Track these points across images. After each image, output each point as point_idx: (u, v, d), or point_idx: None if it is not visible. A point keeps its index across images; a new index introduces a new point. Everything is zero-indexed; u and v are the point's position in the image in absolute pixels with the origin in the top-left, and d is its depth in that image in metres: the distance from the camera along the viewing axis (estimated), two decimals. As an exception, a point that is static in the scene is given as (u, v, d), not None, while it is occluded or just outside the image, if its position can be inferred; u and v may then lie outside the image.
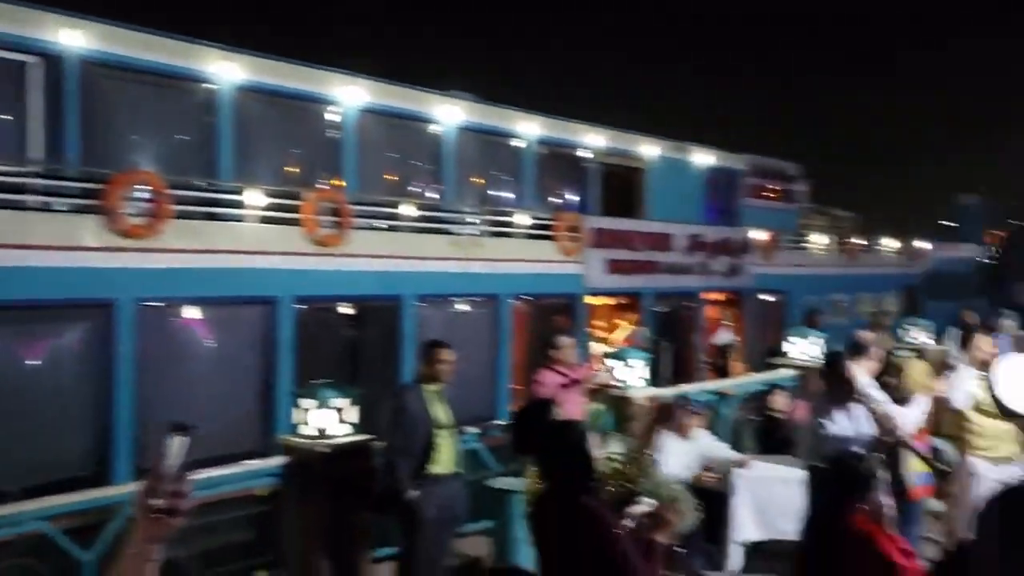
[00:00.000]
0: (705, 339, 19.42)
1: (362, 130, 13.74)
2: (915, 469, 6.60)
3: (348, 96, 13.36)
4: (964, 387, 6.69)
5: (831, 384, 5.89)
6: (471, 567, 7.06)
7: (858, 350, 6.81)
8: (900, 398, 6.62)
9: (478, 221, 14.39)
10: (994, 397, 6.39)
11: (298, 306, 11.51)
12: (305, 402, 6.54)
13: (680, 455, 7.39)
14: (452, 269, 13.62)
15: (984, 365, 6.74)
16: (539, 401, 5.06)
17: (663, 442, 7.38)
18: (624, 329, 17.40)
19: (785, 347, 12.05)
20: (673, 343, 17.88)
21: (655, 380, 15.72)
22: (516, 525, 6.57)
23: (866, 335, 7.19)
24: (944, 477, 6.25)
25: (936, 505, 7.27)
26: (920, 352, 11.42)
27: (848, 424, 5.72)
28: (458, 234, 13.95)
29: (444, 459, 6.52)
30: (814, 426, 5.83)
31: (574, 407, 6.93)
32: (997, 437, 6.45)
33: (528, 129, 16.36)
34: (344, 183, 13.47)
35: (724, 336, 18.45)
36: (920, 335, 12.38)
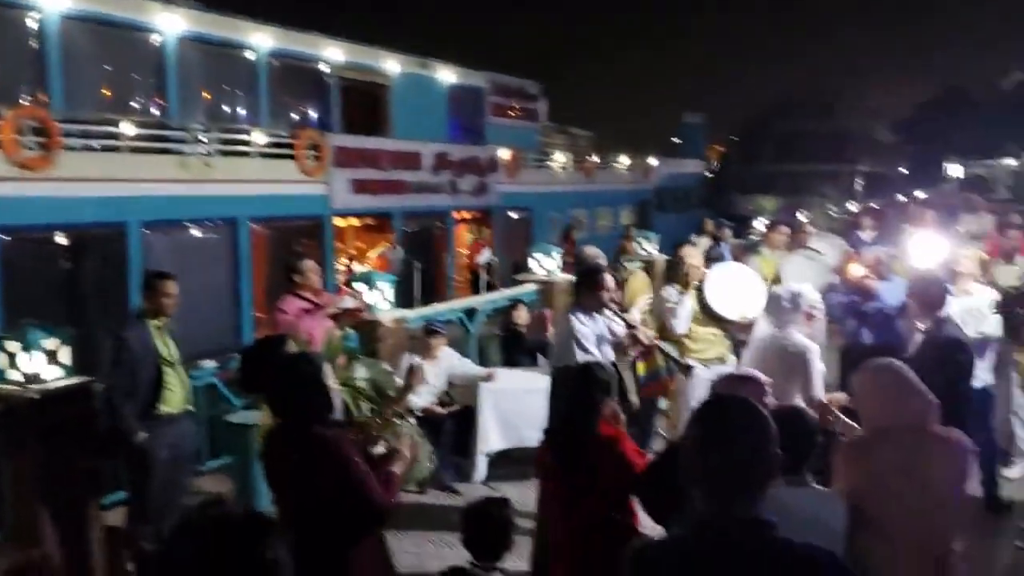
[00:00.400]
0: (457, 258, 19.58)
1: (67, 39, 12.28)
2: (640, 371, 6.96)
3: (49, 1, 11.85)
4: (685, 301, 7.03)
5: (582, 294, 5.99)
6: (212, 505, 6.70)
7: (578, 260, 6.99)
8: (623, 308, 6.88)
9: (208, 140, 13.38)
10: (703, 303, 6.81)
11: (1, 237, 10.24)
12: (10, 345, 5.79)
13: (428, 375, 7.35)
14: (182, 192, 12.66)
15: (692, 275, 7.12)
16: (269, 338, 4.73)
17: (410, 363, 7.29)
18: (375, 250, 17.14)
19: (530, 263, 12.33)
20: (424, 263, 17.89)
21: (407, 301, 15.78)
22: (257, 461, 6.26)
23: (594, 251, 7.34)
24: (687, 371, 6.56)
25: (663, 404, 7.73)
26: (649, 263, 12.06)
27: (595, 330, 5.85)
28: (187, 154, 12.93)
29: (173, 397, 6.05)
30: (563, 335, 5.90)
31: (319, 334, 6.61)
32: (707, 340, 6.89)
33: (260, 41, 15.36)
34: (48, 98, 12.04)
35: (485, 255, 18.70)
36: (649, 247, 13.07)
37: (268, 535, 1.92)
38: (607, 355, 5.84)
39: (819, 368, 5.26)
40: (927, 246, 7.43)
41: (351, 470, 3.60)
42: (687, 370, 6.43)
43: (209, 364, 8.34)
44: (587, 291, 5.90)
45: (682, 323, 6.92)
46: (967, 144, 53.87)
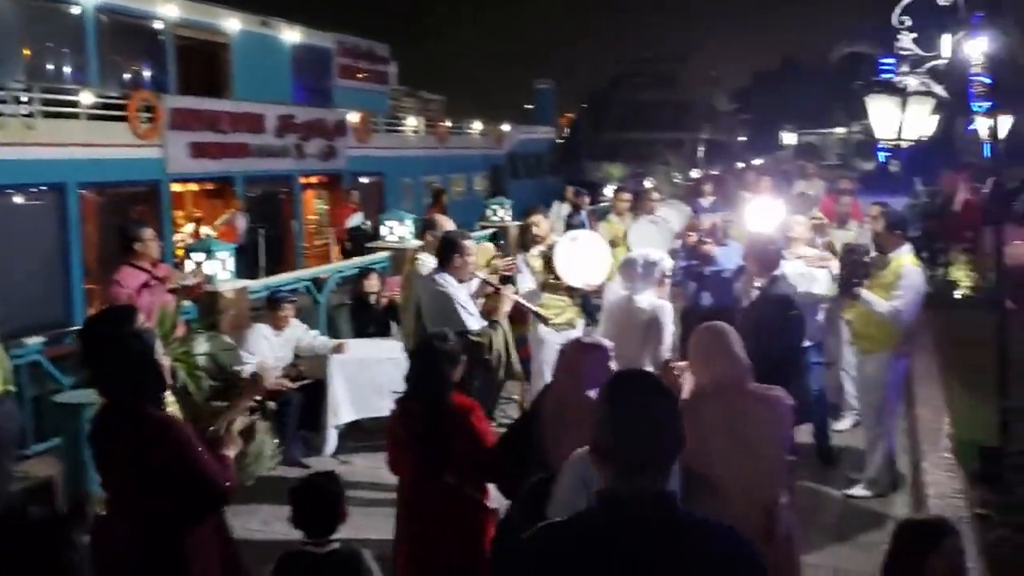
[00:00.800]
0: (306, 224, 19.08)
1: None
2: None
3: None
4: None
5: (446, 263, 5.93)
6: (40, 489, 6.33)
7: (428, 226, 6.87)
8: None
9: (29, 100, 12.43)
10: (551, 270, 6.92)
11: None
12: None
13: (275, 348, 7.13)
14: (0, 156, 11.74)
15: (538, 242, 7.21)
16: (110, 311, 4.43)
17: (255, 336, 7.05)
18: (221, 219, 16.43)
19: (382, 230, 12.12)
20: (271, 230, 17.34)
21: (253, 270, 15.26)
22: (87, 442, 5.91)
23: (441, 219, 7.22)
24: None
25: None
26: (503, 230, 12.13)
27: (464, 297, 5.81)
28: (5, 115, 11.96)
29: (-9, 378, 5.62)
30: (438, 301, 5.82)
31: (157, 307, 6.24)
32: (557, 306, 6.99)
33: (86, -6, 14.34)
34: None
35: (355, 219, 18.23)
36: (501, 212, 13.12)
37: (61, 537, 1.81)
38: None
39: (670, 329, 5.40)
40: (763, 212, 7.75)
41: (187, 451, 3.44)
42: (546, 322, 6.56)
43: (35, 341, 7.79)
44: (451, 259, 5.84)
45: (525, 288, 6.97)
46: (800, 113, 56.87)
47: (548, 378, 6.47)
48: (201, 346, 6.33)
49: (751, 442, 3.54)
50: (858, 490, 6.14)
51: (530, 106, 43.51)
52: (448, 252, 5.88)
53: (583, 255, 7.00)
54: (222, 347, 6.75)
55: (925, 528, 3.13)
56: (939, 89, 6.01)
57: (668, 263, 5.72)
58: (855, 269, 6.01)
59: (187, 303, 7.62)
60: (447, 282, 5.74)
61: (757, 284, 5.62)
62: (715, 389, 3.66)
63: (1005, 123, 11.10)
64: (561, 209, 12.03)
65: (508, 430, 4.20)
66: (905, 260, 6.03)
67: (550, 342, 6.60)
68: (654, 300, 5.46)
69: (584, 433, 3.54)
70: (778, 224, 7.38)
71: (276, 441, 5.58)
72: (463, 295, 5.78)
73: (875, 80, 6.21)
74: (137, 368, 3.47)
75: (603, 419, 2.18)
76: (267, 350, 7.05)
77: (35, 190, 12.66)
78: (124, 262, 6.61)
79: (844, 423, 7.40)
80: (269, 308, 7.29)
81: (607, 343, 4.08)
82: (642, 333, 5.31)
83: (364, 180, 21.23)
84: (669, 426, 2.15)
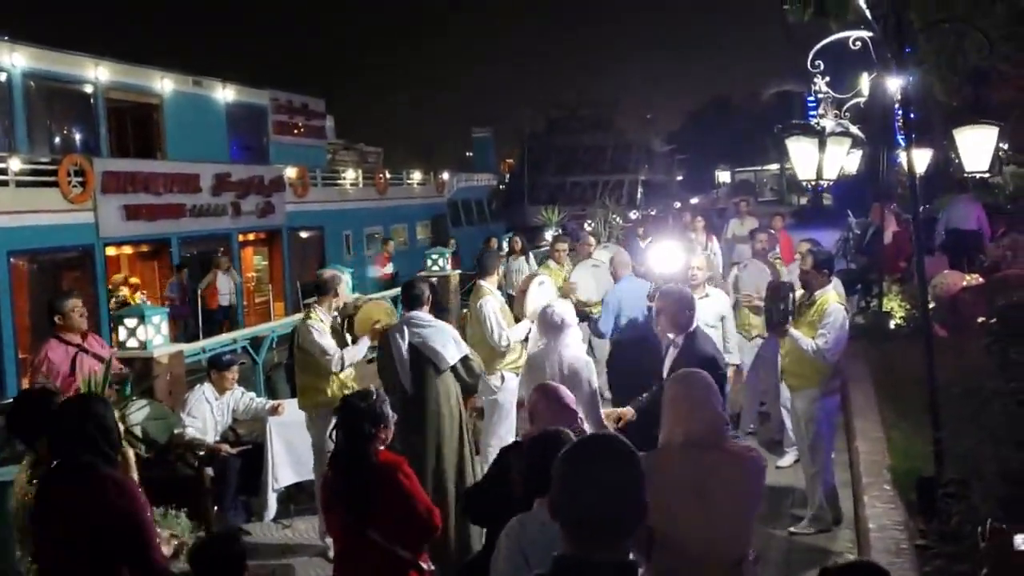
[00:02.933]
0: (244, 282, 18.84)
1: None
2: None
3: None
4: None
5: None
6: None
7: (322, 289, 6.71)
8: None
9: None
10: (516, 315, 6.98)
11: None
12: None
13: (215, 411, 6.98)
14: (-76, 226, 11.46)
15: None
16: (43, 392, 4.39)
17: (196, 398, 6.90)
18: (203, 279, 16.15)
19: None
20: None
21: (190, 332, 15.00)
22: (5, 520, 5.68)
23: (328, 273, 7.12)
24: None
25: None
26: (442, 279, 12.13)
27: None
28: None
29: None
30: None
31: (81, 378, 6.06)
32: (517, 351, 6.97)
33: (15, 61, 14.14)
34: None
35: (389, 267, 18.02)
36: (441, 262, 13.13)
37: None
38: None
39: (593, 384, 5.37)
40: (665, 255, 7.92)
41: (142, 514, 3.42)
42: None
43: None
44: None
45: (507, 333, 6.97)
46: (734, 151, 58.21)
47: (512, 417, 6.57)
48: (136, 413, 6.19)
49: (718, 501, 3.43)
50: (802, 527, 6.19)
51: (470, 153, 43.85)
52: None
53: (548, 299, 7.05)
54: (158, 414, 6.61)
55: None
56: (855, 129, 6.18)
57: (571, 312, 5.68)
58: (778, 308, 6.14)
59: (122, 368, 7.46)
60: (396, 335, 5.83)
61: (672, 337, 5.64)
62: (686, 445, 3.54)
63: (924, 157, 11.49)
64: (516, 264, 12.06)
65: (477, 487, 4.17)
66: (831, 298, 6.16)
67: (510, 388, 6.67)
68: (575, 353, 5.40)
69: None
70: (679, 267, 7.52)
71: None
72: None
73: (794, 123, 6.36)
74: (96, 430, 3.46)
75: (561, 484, 2.13)
76: (208, 413, 6.90)
77: (-38, 259, 12.35)
78: (52, 335, 6.44)
79: (786, 459, 7.48)
80: (216, 371, 7.08)
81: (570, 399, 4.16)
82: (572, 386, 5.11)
83: (304, 234, 21.12)
84: (630, 493, 2.10)
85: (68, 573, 3.45)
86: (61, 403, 3.84)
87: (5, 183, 13.06)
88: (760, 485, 3.62)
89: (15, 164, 13.27)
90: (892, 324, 11.25)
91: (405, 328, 5.85)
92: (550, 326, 5.48)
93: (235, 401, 7.15)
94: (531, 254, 12.02)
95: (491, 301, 6.97)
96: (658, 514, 3.33)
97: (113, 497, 3.40)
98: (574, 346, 5.47)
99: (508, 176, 47.77)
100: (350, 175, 24.42)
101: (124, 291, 15.63)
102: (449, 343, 5.93)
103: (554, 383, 4.59)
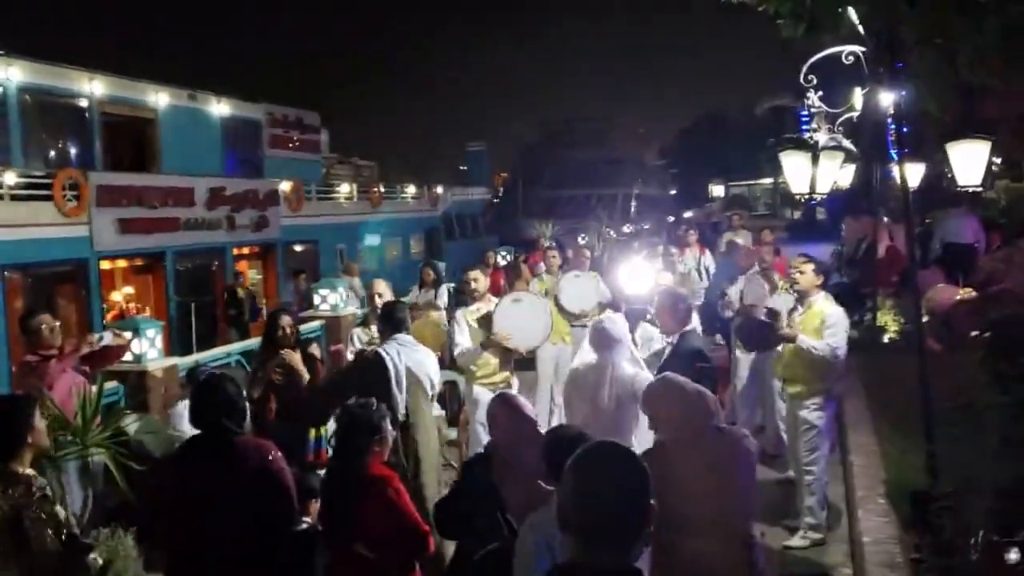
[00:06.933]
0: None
1: None
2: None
3: None
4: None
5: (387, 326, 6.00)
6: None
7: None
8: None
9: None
10: (488, 329, 6.95)
11: None
12: None
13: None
14: (-82, 240, 11.43)
15: (477, 296, 7.26)
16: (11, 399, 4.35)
17: (177, 414, 6.87)
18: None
19: (315, 298, 12.04)
20: (203, 303, 17.09)
21: (184, 345, 14.97)
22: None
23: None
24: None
25: (452, 433, 7.72)
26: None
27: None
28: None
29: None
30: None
31: (64, 385, 5.99)
32: (491, 366, 6.99)
33: (10, 75, 14.14)
34: None
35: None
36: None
37: None
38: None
39: None
40: (636, 273, 8.00)
41: (279, 476, 3.84)
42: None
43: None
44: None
45: (462, 348, 6.96)
46: (728, 166, 58.39)
47: (483, 437, 6.55)
48: (131, 426, 6.18)
49: (722, 479, 3.66)
50: (796, 540, 6.19)
51: (463, 167, 43.89)
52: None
53: (523, 318, 7.02)
54: (151, 427, 6.61)
55: None
56: (848, 143, 6.23)
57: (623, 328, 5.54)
58: (755, 328, 6.21)
59: (113, 384, 7.44)
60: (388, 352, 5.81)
61: (668, 340, 5.69)
62: (680, 434, 3.77)
63: (917, 171, 11.54)
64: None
65: (444, 500, 4.18)
66: (827, 303, 6.23)
67: (484, 402, 6.60)
68: (631, 371, 5.22)
69: (533, 485, 3.58)
70: (649, 286, 7.58)
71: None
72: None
73: (787, 137, 6.41)
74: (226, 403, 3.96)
75: (566, 490, 2.15)
76: (190, 428, 6.85)
77: (-44, 273, 12.32)
78: (28, 351, 6.33)
79: (790, 473, 7.45)
80: (191, 386, 7.05)
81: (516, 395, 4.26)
82: (617, 405, 5.06)
83: (298, 248, 21.10)
84: (634, 499, 2.10)
85: (210, 528, 3.75)
86: (199, 381, 4.37)
87: (0, 197, 13.05)
88: (753, 460, 3.89)
89: (10, 178, 13.24)
90: (886, 338, 11.28)
91: (398, 350, 5.80)
92: (602, 341, 5.31)
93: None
94: (444, 287, 11.59)
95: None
96: (667, 498, 3.47)
97: (252, 456, 3.81)
98: (629, 362, 5.32)
99: (502, 190, 47.83)
100: (344, 189, 24.44)
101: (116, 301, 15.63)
102: (436, 366, 5.97)
103: (512, 392, 4.64)
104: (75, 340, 6.64)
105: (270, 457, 3.86)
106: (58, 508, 3.68)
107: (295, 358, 6.34)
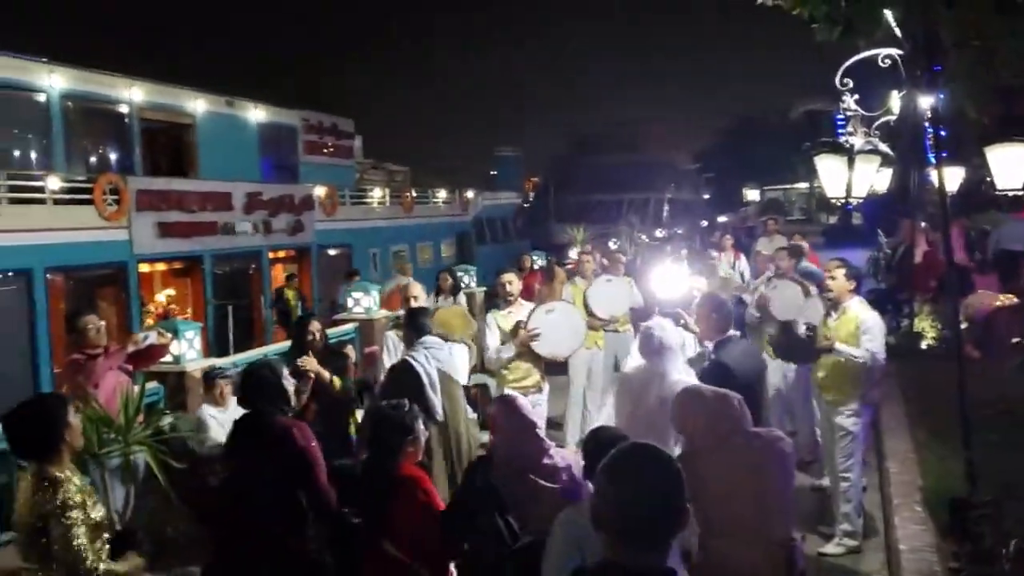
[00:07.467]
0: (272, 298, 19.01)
1: None
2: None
3: None
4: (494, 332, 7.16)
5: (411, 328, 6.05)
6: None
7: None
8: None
9: (-8, 186, 12.43)
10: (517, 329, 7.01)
11: None
12: None
13: (224, 426, 6.96)
14: (-36, 244, 11.70)
15: (511, 300, 7.32)
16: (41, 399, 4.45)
17: (202, 418, 6.92)
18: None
19: (348, 301, 12.15)
20: (239, 305, 17.29)
21: (221, 346, 15.16)
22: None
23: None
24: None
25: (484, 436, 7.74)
26: (468, 296, 12.16)
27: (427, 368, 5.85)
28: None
29: (-44, 469, 5.53)
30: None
31: (110, 383, 6.12)
32: (522, 369, 7.03)
33: (53, 82, 14.43)
34: None
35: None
36: (467, 279, 13.19)
37: None
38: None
39: None
40: (669, 278, 7.96)
41: (314, 455, 4.28)
42: None
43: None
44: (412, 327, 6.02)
45: (492, 351, 7.01)
46: (763, 170, 57.90)
47: None
48: (168, 425, 6.28)
49: (758, 482, 3.67)
50: (831, 547, 6.15)
51: (494, 172, 43.98)
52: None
53: (555, 327, 7.06)
54: (190, 427, 6.71)
55: None
56: (884, 147, 6.18)
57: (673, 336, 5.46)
58: (796, 343, 6.17)
59: (153, 384, 7.57)
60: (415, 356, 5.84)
61: (704, 345, 5.68)
62: (707, 442, 3.78)
63: (955, 175, 11.40)
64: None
65: (451, 504, 4.19)
66: (861, 306, 6.19)
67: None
68: (679, 377, 5.15)
69: (534, 485, 3.61)
70: (682, 290, 7.55)
71: None
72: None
73: (822, 140, 6.37)
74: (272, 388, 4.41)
75: (602, 491, 2.16)
76: (216, 428, 6.87)
77: (2, 275, 12.57)
78: (75, 350, 6.46)
79: (826, 480, 7.40)
80: (205, 386, 7.11)
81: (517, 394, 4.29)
82: (660, 411, 4.86)
83: (332, 252, 21.29)
84: (669, 500, 2.11)
85: (256, 500, 4.12)
86: (246, 370, 4.77)
87: (43, 201, 13.32)
88: (791, 464, 3.89)
89: (53, 182, 13.53)
90: (923, 344, 11.16)
91: (426, 354, 5.85)
92: (650, 348, 5.29)
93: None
94: (462, 293, 11.52)
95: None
96: (706, 502, 3.50)
97: (292, 436, 4.20)
98: (679, 371, 5.27)
99: (533, 195, 47.83)
100: (377, 194, 24.62)
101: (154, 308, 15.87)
102: (464, 356, 6.02)
103: (513, 393, 4.67)
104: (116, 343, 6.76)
105: (304, 436, 4.25)
106: (93, 512, 3.63)
107: (310, 362, 6.35)
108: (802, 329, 6.19)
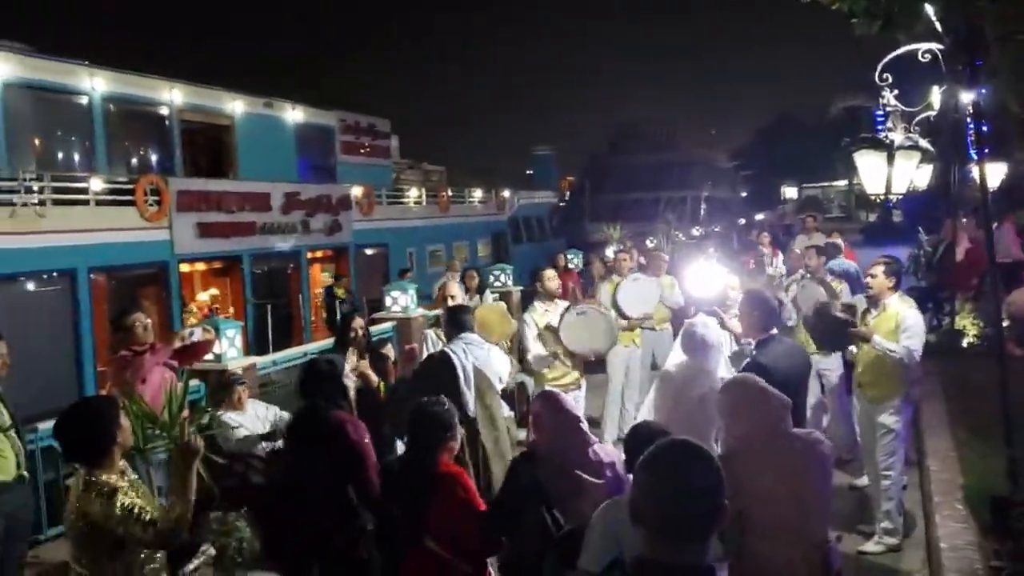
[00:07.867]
0: (312, 297, 19.23)
1: None
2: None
3: None
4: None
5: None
6: (54, 574, 6.32)
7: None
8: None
9: (39, 189, 12.69)
10: (553, 329, 7.05)
11: None
12: None
13: (246, 430, 7.00)
14: (13, 245, 11.95)
15: (553, 296, 7.38)
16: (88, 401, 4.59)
17: (223, 419, 6.96)
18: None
19: (386, 300, 12.22)
20: (278, 304, 17.50)
21: (261, 345, 15.34)
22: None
23: None
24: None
25: (521, 434, 7.77)
26: (504, 295, 12.19)
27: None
28: (15, 204, 12.21)
29: (6, 464, 5.63)
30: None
31: (156, 379, 6.24)
32: (563, 368, 7.08)
33: (95, 84, 14.72)
34: None
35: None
36: (503, 278, 13.20)
37: None
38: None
39: None
40: (704, 277, 7.90)
41: (364, 449, 4.51)
42: None
43: (48, 425, 7.82)
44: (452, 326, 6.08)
45: (533, 350, 7.06)
46: (801, 167, 57.35)
47: None
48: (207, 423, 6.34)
49: (798, 484, 3.67)
50: (871, 545, 6.10)
51: (530, 172, 44.00)
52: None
53: (588, 328, 7.11)
54: (224, 425, 6.77)
55: None
56: (924, 142, 6.11)
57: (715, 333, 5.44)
58: (831, 325, 6.11)
59: (196, 382, 7.67)
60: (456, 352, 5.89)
61: (744, 343, 5.66)
62: (754, 438, 3.79)
63: (998, 171, 11.22)
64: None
65: (495, 501, 4.22)
66: (902, 304, 6.13)
67: None
68: (721, 375, 5.15)
69: (578, 480, 3.63)
70: (718, 288, 7.50)
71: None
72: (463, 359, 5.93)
73: (862, 136, 6.31)
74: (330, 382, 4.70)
75: (641, 486, 2.15)
76: (237, 430, 6.87)
77: (47, 276, 12.84)
78: (122, 347, 6.58)
79: (864, 479, 7.34)
80: (222, 392, 7.16)
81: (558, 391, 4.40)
82: (701, 408, 4.96)
83: (369, 251, 21.45)
84: (708, 496, 2.09)
85: (307, 493, 4.32)
86: (307, 363, 4.99)
87: (86, 202, 13.57)
88: (828, 466, 3.88)
89: (95, 184, 13.78)
90: (965, 343, 11.00)
91: (465, 349, 5.90)
92: (693, 345, 5.30)
93: (262, 418, 7.09)
94: (488, 292, 11.49)
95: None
96: (744, 502, 3.50)
97: (346, 430, 4.38)
98: (721, 369, 5.30)
99: (568, 194, 47.77)
100: (413, 193, 24.74)
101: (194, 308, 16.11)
102: (503, 360, 6.06)
103: (555, 390, 4.68)
104: (162, 350, 6.85)
105: (357, 431, 4.47)
106: (149, 506, 3.67)
107: (364, 365, 6.40)
108: (838, 309, 6.15)
